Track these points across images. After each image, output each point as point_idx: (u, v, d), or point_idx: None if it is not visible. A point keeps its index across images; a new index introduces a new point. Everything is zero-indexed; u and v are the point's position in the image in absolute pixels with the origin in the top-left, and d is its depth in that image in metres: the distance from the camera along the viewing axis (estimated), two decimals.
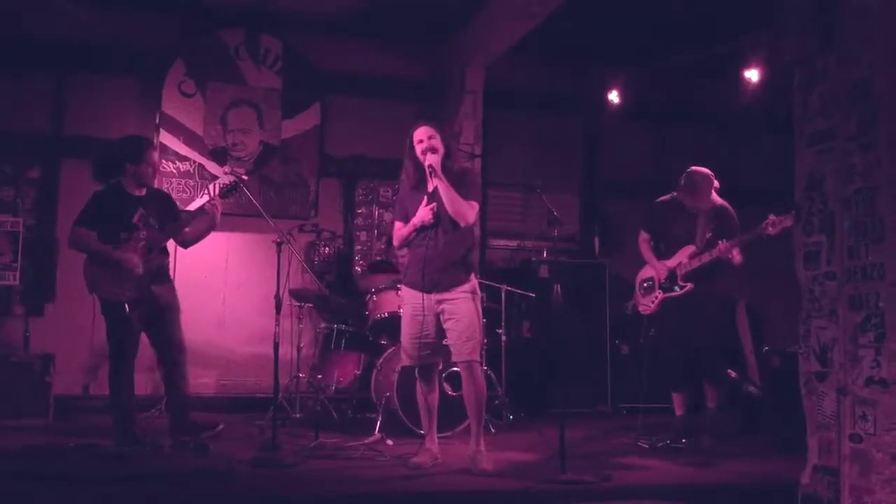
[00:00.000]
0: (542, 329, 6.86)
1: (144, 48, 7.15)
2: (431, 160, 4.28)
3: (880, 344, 2.97)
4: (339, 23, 7.40)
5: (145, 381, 5.34)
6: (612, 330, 7.26)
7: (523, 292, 6.46)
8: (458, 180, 4.33)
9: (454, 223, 4.32)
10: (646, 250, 5.46)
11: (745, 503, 3.82)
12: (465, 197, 4.30)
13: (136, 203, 4.78)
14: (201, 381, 6.79)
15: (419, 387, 4.49)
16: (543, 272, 7.00)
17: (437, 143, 4.35)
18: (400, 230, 4.49)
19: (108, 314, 4.69)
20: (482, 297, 4.63)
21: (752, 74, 6.84)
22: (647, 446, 5.09)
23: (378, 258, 7.40)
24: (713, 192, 5.22)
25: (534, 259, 7.21)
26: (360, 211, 7.75)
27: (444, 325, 4.34)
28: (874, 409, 2.96)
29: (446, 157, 4.37)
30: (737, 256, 4.94)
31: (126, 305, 4.62)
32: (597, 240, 8.03)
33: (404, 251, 4.75)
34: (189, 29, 7.28)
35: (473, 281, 4.41)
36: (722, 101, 7.67)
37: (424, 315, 4.34)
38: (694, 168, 5.29)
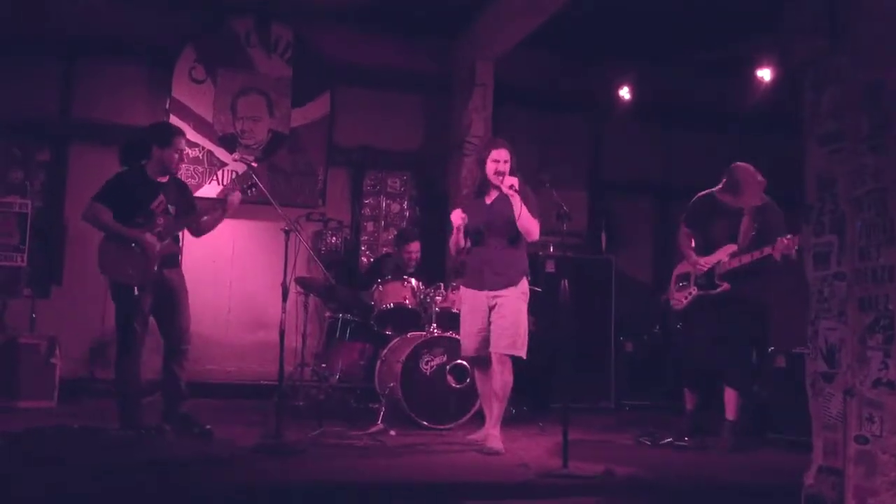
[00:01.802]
0: (547, 324, 6.86)
1: (155, 34, 7.16)
2: (512, 181, 4.61)
3: (889, 346, 2.96)
4: (349, 13, 7.39)
5: (150, 366, 5.36)
6: (616, 326, 7.26)
7: (530, 287, 6.45)
8: (524, 200, 4.66)
9: (512, 236, 4.70)
10: (684, 245, 5.31)
11: (748, 502, 3.82)
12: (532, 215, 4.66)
13: (157, 189, 4.79)
14: (207, 368, 6.80)
15: (478, 376, 4.91)
16: (550, 267, 7.00)
17: (509, 167, 4.72)
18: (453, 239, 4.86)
19: (117, 297, 4.70)
20: None
21: (762, 74, 6.81)
22: (649, 443, 5.09)
23: (385, 250, 7.41)
24: (760, 188, 4.99)
25: (540, 253, 7.20)
26: (367, 201, 7.76)
27: (491, 318, 4.69)
28: (881, 411, 2.96)
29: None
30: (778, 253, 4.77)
31: (135, 289, 4.63)
32: (604, 235, 8.02)
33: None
34: (199, 15, 7.29)
35: (524, 284, 4.77)
36: (729, 100, 7.66)
37: (480, 310, 4.73)
38: (736, 164, 5.07)
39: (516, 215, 4.59)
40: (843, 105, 3.28)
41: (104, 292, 4.92)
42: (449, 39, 7.76)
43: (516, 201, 4.59)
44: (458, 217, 4.75)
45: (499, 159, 4.73)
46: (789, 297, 4.60)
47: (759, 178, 5.01)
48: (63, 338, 6.03)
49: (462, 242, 4.81)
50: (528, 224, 4.63)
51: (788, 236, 4.69)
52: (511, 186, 4.60)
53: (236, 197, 4.98)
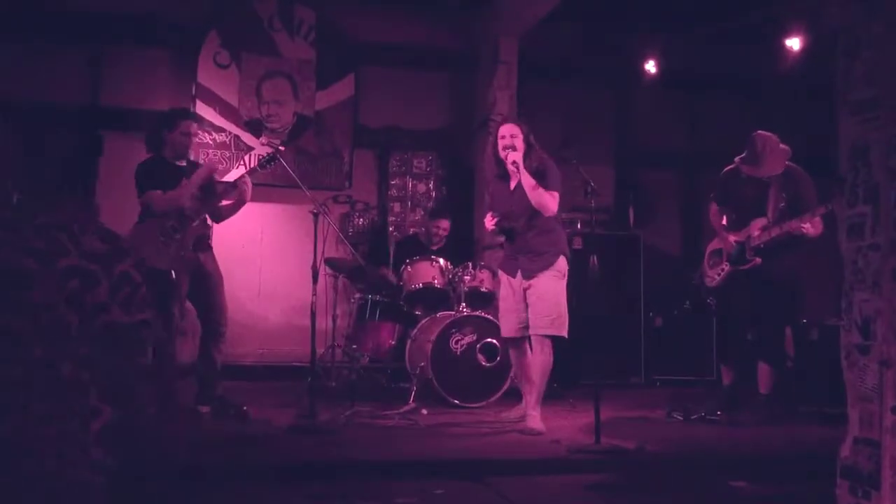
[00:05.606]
0: (576, 300, 6.85)
1: (180, 19, 7.19)
2: (514, 157, 4.58)
3: None
4: None
5: (185, 349, 5.45)
6: (646, 301, 7.23)
7: None
8: (538, 174, 4.61)
9: (535, 214, 4.63)
10: (715, 221, 5.29)
11: (782, 475, 3.81)
12: (547, 188, 4.59)
13: (180, 172, 4.87)
14: (240, 350, 6.89)
15: (513, 356, 4.86)
16: (577, 243, 6.96)
17: (519, 141, 4.64)
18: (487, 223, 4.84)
19: (154, 282, 4.77)
20: None
21: (792, 42, 6.69)
22: (681, 418, 5.08)
23: (412, 230, 7.43)
24: (783, 157, 4.93)
25: (568, 230, 7.16)
26: (394, 182, 7.76)
27: (527, 300, 4.65)
28: None
29: (525, 156, 4.63)
30: (811, 229, 4.73)
31: (172, 273, 4.69)
32: (631, 210, 7.97)
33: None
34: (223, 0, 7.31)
35: (561, 262, 4.69)
36: (757, 68, 7.53)
37: (516, 293, 4.69)
38: (757, 133, 5.00)
39: (527, 191, 4.55)
40: (876, 72, 3.21)
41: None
42: (473, 16, 7.70)
43: (524, 178, 4.56)
44: (490, 222, 4.75)
45: (504, 135, 4.66)
46: (821, 269, 4.56)
47: (782, 145, 4.96)
48: None
49: (501, 238, 4.94)
50: (541, 198, 4.56)
51: (809, 217, 4.68)
52: (513, 163, 4.56)
53: (247, 180, 4.98)
